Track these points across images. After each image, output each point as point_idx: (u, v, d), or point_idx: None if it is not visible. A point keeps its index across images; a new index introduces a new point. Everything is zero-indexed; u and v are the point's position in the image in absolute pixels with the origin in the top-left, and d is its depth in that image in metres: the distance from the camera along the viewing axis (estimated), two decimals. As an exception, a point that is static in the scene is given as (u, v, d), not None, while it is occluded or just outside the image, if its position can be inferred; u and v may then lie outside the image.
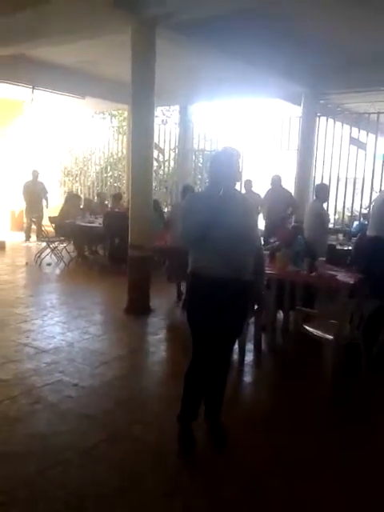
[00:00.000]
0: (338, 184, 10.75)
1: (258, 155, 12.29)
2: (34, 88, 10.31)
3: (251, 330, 5.14)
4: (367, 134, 10.52)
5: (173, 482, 2.90)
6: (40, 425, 3.49)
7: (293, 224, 6.37)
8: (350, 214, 11.55)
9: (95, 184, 15.11)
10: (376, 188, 10.19)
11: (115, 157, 14.77)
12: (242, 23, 6.41)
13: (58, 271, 9.02)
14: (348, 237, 8.50)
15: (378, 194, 8.96)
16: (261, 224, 6.78)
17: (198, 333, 3.10)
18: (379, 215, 5.12)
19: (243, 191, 9.51)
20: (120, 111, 15.18)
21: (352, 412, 3.95)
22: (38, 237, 11.56)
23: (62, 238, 9.72)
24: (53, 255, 9.45)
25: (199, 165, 13.84)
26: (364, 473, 3.11)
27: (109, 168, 14.94)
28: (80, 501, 2.69)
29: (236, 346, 4.34)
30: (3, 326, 5.55)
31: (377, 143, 10.22)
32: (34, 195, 12.23)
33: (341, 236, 8.69)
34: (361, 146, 10.60)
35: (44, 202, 12.40)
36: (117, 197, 10.89)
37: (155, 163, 12.42)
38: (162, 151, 13.63)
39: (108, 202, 11.87)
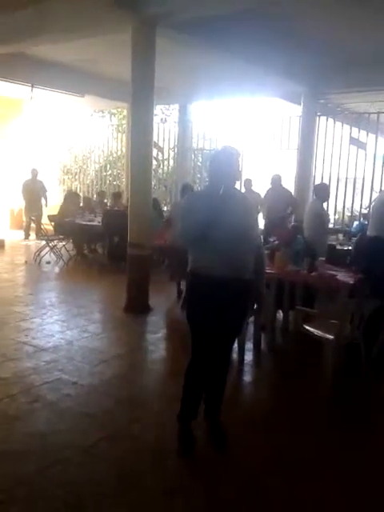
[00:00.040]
0: (338, 184, 10.75)
1: (257, 154, 12.29)
2: (33, 86, 10.30)
3: (251, 329, 5.13)
4: (367, 134, 10.52)
5: (172, 481, 2.89)
6: (39, 423, 3.48)
7: (292, 223, 6.37)
8: (350, 214, 11.55)
9: (94, 182, 15.12)
10: (376, 188, 10.20)
11: (114, 155, 14.77)
12: (242, 22, 6.40)
13: (57, 270, 9.01)
14: (348, 237, 8.50)
15: (378, 194, 8.97)
16: (260, 223, 6.77)
17: (197, 332, 3.10)
18: (379, 215, 5.12)
19: (243, 190, 9.51)
20: (119, 109, 15.18)
21: (352, 412, 3.95)
22: (37, 235, 11.53)
23: (62, 237, 9.70)
24: (52, 254, 9.43)
25: (198, 164, 13.84)
26: (364, 473, 3.10)
27: (108, 166, 14.94)
28: (79, 499, 2.69)
29: (235, 346, 4.34)
30: (2, 325, 5.54)
31: (377, 143, 10.23)
32: (34, 194, 12.22)
33: (341, 236, 8.69)
34: (361, 145, 10.60)
35: (43, 200, 12.39)
36: (117, 195, 10.90)
37: (154, 162, 12.43)
38: (161, 150, 13.63)
39: (107, 201, 11.87)
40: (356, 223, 10.29)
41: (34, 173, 12.36)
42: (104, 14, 6.02)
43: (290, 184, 10.27)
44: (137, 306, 6.28)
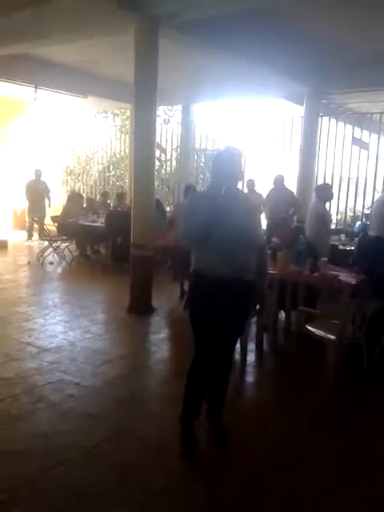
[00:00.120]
0: (340, 184, 10.74)
1: (260, 155, 12.29)
2: (36, 87, 10.33)
3: (253, 329, 5.13)
4: (370, 134, 10.51)
5: (174, 481, 2.90)
6: (42, 424, 3.49)
7: (295, 224, 6.37)
8: (352, 214, 11.54)
9: (98, 183, 15.14)
10: (378, 188, 10.19)
11: (118, 156, 14.79)
12: (244, 23, 6.40)
13: (60, 270, 9.02)
14: (350, 237, 8.48)
15: (380, 194, 8.96)
16: (263, 224, 6.77)
17: (199, 332, 3.10)
18: (381, 215, 5.11)
19: (245, 191, 9.52)
20: (122, 110, 15.20)
21: (354, 412, 3.94)
22: (40, 236, 11.59)
23: (65, 237, 9.71)
24: (55, 254, 9.45)
25: (201, 164, 13.85)
26: (365, 473, 3.10)
27: (111, 167, 14.96)
28: (82, 500, 2.70)
29: (238, 346, 4.34)
30: (5, 325, 5.56)
31: (379, 143, 10.21)
32: (37, 194, 12.25)
33: (343, 236, 8.68)
34: (363, 146, 10.60)
35: (46, 201, 12.40)
36: (120, 196, 10.91)
37: (157, 162, 12.43)
38: (164, 150, 13.64)
39: (111, 201, 11.88)
40: (358, 223, 10.29)
41: (38, 173, 12.39)
42: (106, 15, 6.03)
43: (292, 184, 10.27)
44: (140, 307, 6.29)
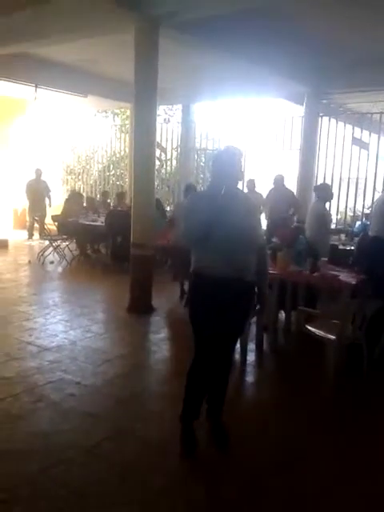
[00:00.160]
0: (340, 184, 10.75)
1: (260, 155, 12.29)
2: (36, 86, 10.33)
3: (253, 329, 5.13)
4: (370, 134, 10.51)
5: (174, 481, 2.90)
6: (42, 423, 3.50)
7: (295, 224, 6.37)
8: (352, 214, 11.55)
9: (98, 182, 15.15)
10: (378, 188, 10.19)
11: (118, 155, 14.80)
12: (244, 23, 6.41)
13: (60, 270, 9.03)
14: (350, 237, 8.49)
15: (380, 193, 8.96)
16: (263, 224, 6.77)
17: (199, 332, 3.10)
18: (381, 215, 5.11)
19: (246, 191, 9.52)
20: (122, 110, 15.20)
21: (354, 412, 3.95)
22: (40, 235, 11.60)
23: (65, 237, 9.72)
24: (55, 253, 9.46)
25: (201, 164, 13.86)
26: (365, 473, 3.11)
27: (111, 166, 14.97)
28: (82, 499, 2.70)
29: (238, 346, 4.35)
30: (6, 324, 5.56)
31: (379, 143, 10.22)
32: (37, 194, 12.25)
33: (343, 236, 8.68)
34: (363, 145, 10.60)
35: (47, 200, 12.40)
36: (121, 196, 10.91)
37: (157, 162, 12.43)
38: (164, 150, 13.65)
39: (111, 201, 11.88)
40: (358, 223, 10.29)
41: (38, 173, 12.39)
42: (106, 14, 6.04)
43: (292, 184, 10.27)
44: (140, 306, 6.30)
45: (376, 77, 8.50)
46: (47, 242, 9.65)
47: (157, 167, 10.53)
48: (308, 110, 10.05)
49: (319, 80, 9.24)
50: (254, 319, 5.01)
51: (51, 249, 9.47)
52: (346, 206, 11.39)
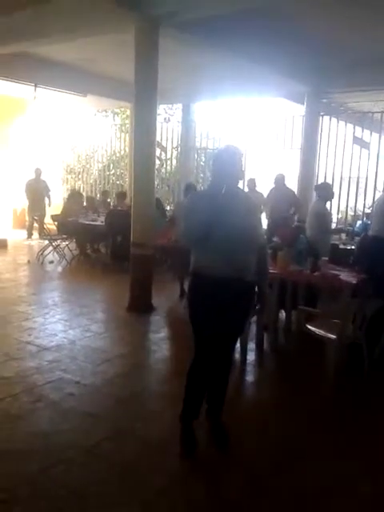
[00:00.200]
0: (341, 183, 10.74)
1: (260, 154, 12.28)
2: (36, 86, 10.32)
3: (253, 329, 5.13)
4: (371, 133, 10.50)
5: (174, 481, 2.90)
6: (42, 423, 3.49)
7: (295, 223, 6.36)
8: (353, 214, 11.55)
9: (98, 182, 15.14)
10: (379, 187, 10.18)
11: (118, 155, 14.79)
12: (244, 22, 6.40)
13: (60, 269, 9.02)
14: (351, 236, 8.48)
15: (381, 193, 8.95)
16: (264, 223, 6.77)
17: (199, 332, 3.10)
18: (381, 215, 5.10)
19: (246, 190, 9.51)
20: (122, 109, 15.19)
21: (354, 412, 3.94)
22: (40, 235, 11.60)
23: (65, 236, 9.72)
24: (55, 253, 9.46)
25: (202, 163, 13.85)
26: (366, 473, 3.10)
27: (111, 166, 14.96)
28: (82, 499, 2.70)
29: (238, 345, 4.35)
30: (5, 324, 5.56)
31: (380, 142, 10.21)
32: (37, 193, 12.24)
33: (344, 235, 8.68)
34: (364, 145, 10.59)
35: (46, 200, 12.39)
36: (121, 195, 10.89)
37: (157, 161, 12.43)
38: (164, 149, 13.65)
39: (111, 200, 11.88)
40: (359, 223, 10.29)
41: (38, 172, 12.38)
42: (106, 14, 6.03)
43: (293, 184, 10.26)
44: (140, 306, 6.29)
45: (376, 76, 8.50)
46: (47, 242, 9.64)
47: (157, 166, 10.52)
48: (308, 109, 10.04)
49: (319, 79, 9.23)
50: (255, 318, 5.01)
51: (51, 248, 9.47)
52: (347, 206, 11.37)
